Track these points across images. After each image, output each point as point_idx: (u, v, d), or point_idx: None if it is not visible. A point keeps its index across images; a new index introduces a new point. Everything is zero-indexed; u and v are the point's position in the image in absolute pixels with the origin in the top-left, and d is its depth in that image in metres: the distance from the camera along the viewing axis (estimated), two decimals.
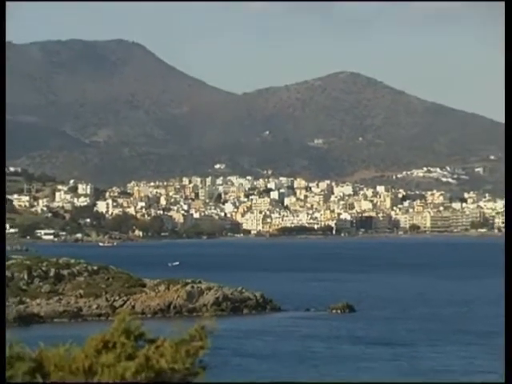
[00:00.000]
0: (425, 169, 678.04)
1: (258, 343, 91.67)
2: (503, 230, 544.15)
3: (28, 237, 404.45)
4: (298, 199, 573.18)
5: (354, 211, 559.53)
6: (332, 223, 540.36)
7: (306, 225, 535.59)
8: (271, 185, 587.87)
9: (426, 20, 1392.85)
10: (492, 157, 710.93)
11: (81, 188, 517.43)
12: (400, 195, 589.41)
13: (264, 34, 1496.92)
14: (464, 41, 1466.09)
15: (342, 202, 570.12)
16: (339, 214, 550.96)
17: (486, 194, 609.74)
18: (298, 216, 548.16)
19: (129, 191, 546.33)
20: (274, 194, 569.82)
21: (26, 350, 10.67)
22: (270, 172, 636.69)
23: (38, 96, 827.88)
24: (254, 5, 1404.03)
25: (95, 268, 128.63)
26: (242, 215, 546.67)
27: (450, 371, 77.95)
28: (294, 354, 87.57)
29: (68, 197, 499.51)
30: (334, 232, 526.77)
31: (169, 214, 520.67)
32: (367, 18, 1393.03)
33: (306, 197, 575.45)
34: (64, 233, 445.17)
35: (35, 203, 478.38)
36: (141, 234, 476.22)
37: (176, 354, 9.85)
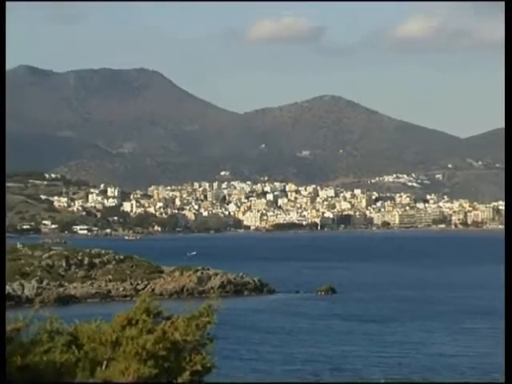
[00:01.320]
0: (394, 175, 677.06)
1: (255, 319, 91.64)
2: (459, 226, 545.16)
3: (66, 231, 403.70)
4: (289, 200, 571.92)
5: (335, 210, 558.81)
6: (317, 220, 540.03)
7: (296, 221, 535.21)
8: (267, 188, 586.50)
9: (395, 51, 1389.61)
10: (449, 165, 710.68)
11: (109, 191, 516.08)
12: (373, 197, 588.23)
13: (261, 63, 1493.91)
14: (426, 68, 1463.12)
15: (325, 203, 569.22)
16: (323, 213, 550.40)
17: (445, 196, 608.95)
18: (289, 214, 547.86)
19: (149, 194, 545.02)
20: (270, 196, 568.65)
21: (63, 325, 10.73)
22: (266, 178, 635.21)
23: (74, 115, 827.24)
24: (253, 36, 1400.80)
25: (121, 257, 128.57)
26: (243, 214, 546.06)
27: (410, 342, 77.97)
28: (283, 328, 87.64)
29: (99, 198, 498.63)
30: (319, 227, 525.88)
31: (182, 212, 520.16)
32: (347, 49, 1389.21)
33: (295, 198, 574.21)
34: (96, 228, 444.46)
35: (72, 204, 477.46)
36: (159, 229, 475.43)
37: (188, 328, 9.93)
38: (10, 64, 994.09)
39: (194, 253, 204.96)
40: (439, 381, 35.70)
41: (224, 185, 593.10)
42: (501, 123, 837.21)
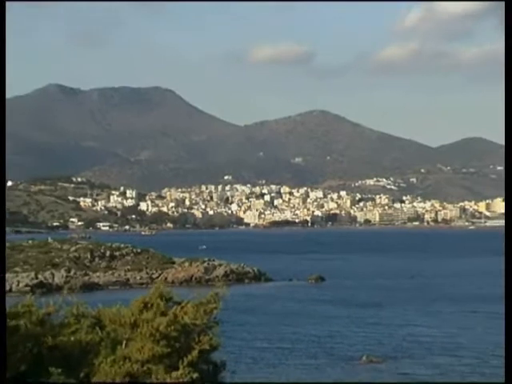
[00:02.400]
0: (374, 179, 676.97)
1: (254, 303, 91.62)
2: (431, 223, 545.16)
3: (90, 228, 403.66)
4: (283, 201, 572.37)
5: (323, 209, 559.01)
6: (308, 218, 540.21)
7: (290, 219, 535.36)
8: (265, 190, 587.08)
9: (377, 72, 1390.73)
10: (422, 170, 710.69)
11: (128, 193, 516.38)
12: (357, 198, 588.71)
13: (260, 82, 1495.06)
14: (402, 87, 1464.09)
15: (315, 203, 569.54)
16: (313, 212, 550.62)
17: (418, 197, 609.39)
18: (283, 213, 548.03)
19: (163, 195, 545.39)
20: (267, 197, 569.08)
21: (88, 309, 10.73)
22: (263, 181, 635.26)
23: (97, 127, 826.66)
24: (254, 59, 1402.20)
25: (138, 250, 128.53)
26: (244, 212, 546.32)
27: (389, 324, 77.93)
28: (277, 311, 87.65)
29: (119, 199, 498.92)
30: (309, 224, 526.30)
31: (191, 211, 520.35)
32: (335, 71, 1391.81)
33: (289, 199, 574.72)
34: (116, 225, 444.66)
35: (95, 204, 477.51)
36: (171, 225, 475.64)
37: (196, 312, 9.93)
38: (42, 82, 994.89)
39: (204, 247, 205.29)
40: (439, 381, 34.70)
41: (227, 187, 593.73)
42: (467, 134, 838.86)
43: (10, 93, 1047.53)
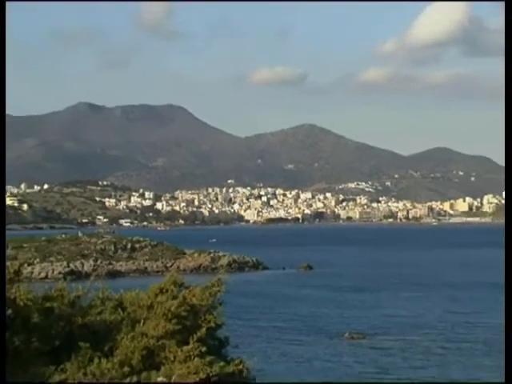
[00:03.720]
0: (355, 183, 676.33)
1: (252, 288, 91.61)
2: (403, 220, 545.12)
3: (114, 224, 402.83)
4: (278, 201, 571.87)
5: (312, 208, 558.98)
6: (299, 216, 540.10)
7: (283, 217, 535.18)
8: (262, 192, 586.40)
9: (358, 91, 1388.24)
10: (396, 175, 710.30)
11: (146, 194, 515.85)
12: (340, 199, 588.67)
13: (259, 100, 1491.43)
14: (380, 104, 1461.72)
15: (305, 203, 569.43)
16: (303, 210, 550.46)
17: (392, 198, 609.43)
18: (278, 211, 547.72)
19: (175, 196, 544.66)
20: (264, 198, 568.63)
21: (112, 293, 10.77)
22: (261, 185, 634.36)
23: (120, 138, 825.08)
24: (254, 80, 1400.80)
25: (155, 243, 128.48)
26: (244, 211, 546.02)
27: (368, 306, 77.92)
28: (271, 294, 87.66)
29: (138, 200, 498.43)
30: (300, 221, 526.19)
31: (200, 210, 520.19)
32: (322, 90, 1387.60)
33: (283, 200, 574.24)
34: (136, 221, 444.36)
35: (118, 203, 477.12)
36: (183, 222, 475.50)
37: (203, 295, 9.97)
38: (74, 100, 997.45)
39: (214, 240, 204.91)
40: (439, 381, 34.20)
41: (230, 190, 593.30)
42: (434, 144, 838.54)
43: (46, 109, 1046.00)
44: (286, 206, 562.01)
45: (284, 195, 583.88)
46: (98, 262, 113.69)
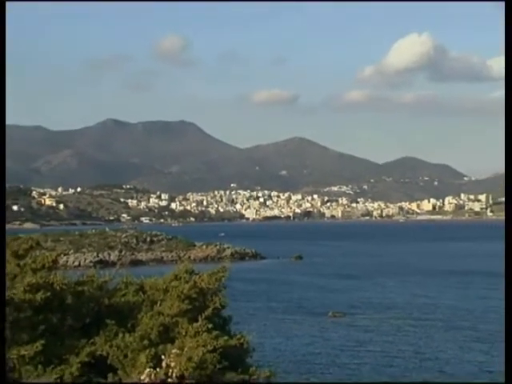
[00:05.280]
0: (338, 186, 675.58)
1: (250, 275, 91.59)
2: (378, 218, 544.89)
3: (136, 221, 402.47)
4: (273, 202, 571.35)
5: (301, 208, 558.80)
6: (291, 214, 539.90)
7: (277, 215, 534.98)
8: (259, 194, 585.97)
9: (341, 110, 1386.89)
10: (371, 180, 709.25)
11: (162, 196, 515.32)
12: (325, 200, 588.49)
13: (258, 117, 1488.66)
14: (360, 121, 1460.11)
15: (295, 203, 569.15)
16: (294, 210, 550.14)
17: (369, 199, 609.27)
18: (273, 210, 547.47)
19: (187, 198, 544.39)
20: (261, 199, 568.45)
21: (134, 279, 10.78)
22: (259, 188, 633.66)
23: (140, 149, 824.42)
24: (255, 100, 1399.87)
25: (170, 237, 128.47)
26: (245, 210, 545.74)
27: (349, 289, 77.85)
28: (266, 279, 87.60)
29: (156, 201, 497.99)
30: (291, 219, 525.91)
31: (207, 209, 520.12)
32: (311, 109, 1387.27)
33: (277, 201, 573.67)
34: (154, 219, 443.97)
35: (139, 204, 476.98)
36: (193, 219, 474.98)
37: (210, 280, 9.98)
38: (102, 117, 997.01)
39: (223, 234, 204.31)
40: (440, 381, 33.80)
41: (233, 192, 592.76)
42: (403, 154, 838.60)
43: (80, 125, 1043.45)
44: (280, 206, 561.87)
45: (278, 197, 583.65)
46: (122, 253, 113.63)
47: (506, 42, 11.40)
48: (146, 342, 8.65)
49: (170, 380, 8.01)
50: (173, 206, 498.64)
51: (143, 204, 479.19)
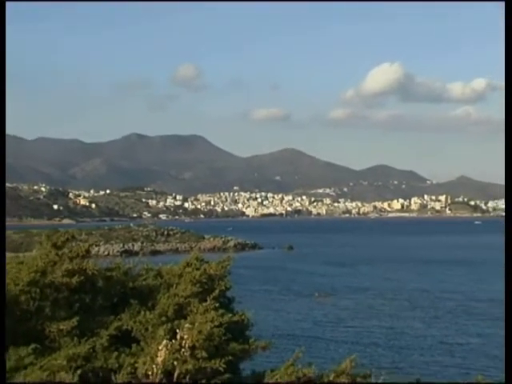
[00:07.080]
0: (322, 189, 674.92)
1: (250, 262, 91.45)
2: (356, 215, 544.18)
3: (155, 218, 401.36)
4: (269, 201, 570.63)
5: (293, 207, 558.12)
6: (283, 212, 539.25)
7: (273, 213, 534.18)
8: (258, 196, 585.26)
9: (328, 125, 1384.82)
10: (351, 184, 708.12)
11: (177, 197, 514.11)
12: (312, 200, 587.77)
13: (257, 131, 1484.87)
14: (342, 135, 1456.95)
15: (287, 203, 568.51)
16: (287, 208, 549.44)
17: (348, 200, 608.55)
18: (269, 209, 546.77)
19: (198, 198, 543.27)
20: (259, 200, 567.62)
21: (153, 266, 10.77)
22: (257, 190, 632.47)
23: (158, 158, 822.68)
24: (255, 117, 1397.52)
25: (183, 231, 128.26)
26: (246, 208, 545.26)
27: (332, 275, 77.69)
28: (263, 266, 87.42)
29: (172, 201, 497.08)
30: (284, 216, 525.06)
31: (214, 208, 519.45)
32: (302, 124, 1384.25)
33: (273, 201, 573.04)
34: (170, 216, 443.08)
35: (158, 203, 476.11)
36: (203, 216, 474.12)
37: (217, 267, 9.97)
38: (127, 132, 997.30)
39: (231, 228, 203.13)
40: (440, 381, 32.81)
41: (236, 194, 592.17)
42: (377, 162, 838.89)
43: (108, 138, 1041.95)
44: (275, 205, 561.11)
45: (273, 197, 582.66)
46: (144, 244, 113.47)
47: (506, 41, 9.75)
48: (163, 318, 8.67)
49: (172, 372, 7.95)
50: (186, 205, 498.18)
51: (161, 204, 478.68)
